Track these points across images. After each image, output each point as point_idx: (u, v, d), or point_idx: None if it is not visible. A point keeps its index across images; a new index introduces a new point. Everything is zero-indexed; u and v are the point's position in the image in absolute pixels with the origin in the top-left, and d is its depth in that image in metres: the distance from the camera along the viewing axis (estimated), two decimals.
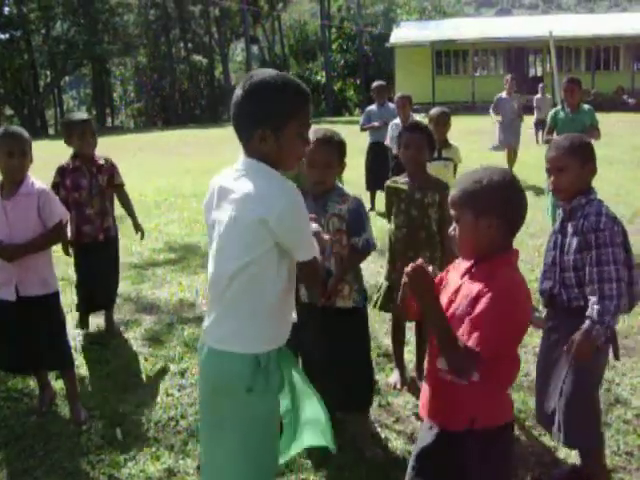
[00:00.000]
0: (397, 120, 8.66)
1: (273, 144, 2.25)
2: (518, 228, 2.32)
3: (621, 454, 3.52)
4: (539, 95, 17.62)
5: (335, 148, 3.42)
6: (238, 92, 2.26)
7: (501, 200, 2.24)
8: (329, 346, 3.45)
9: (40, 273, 3.93)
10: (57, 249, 4.25)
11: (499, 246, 2.27)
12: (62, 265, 5.92)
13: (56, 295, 4.07)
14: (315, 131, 3.35)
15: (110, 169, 5.17)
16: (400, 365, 4.40)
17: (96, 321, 5.41)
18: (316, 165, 3.37)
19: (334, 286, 3.45)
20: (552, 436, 3.22)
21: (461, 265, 2.40)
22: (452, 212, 2.34)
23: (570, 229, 3.02)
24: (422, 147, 4.07)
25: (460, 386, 2.23)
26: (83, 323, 5.29)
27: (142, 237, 5.60)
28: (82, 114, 5.30)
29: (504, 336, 2.17)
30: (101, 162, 5.13)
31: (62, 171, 5.05)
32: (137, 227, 5.51)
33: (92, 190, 5.04)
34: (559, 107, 7.59)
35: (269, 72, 2.30)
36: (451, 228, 2.36)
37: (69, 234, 4.72)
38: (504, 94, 12.58)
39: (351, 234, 3.47)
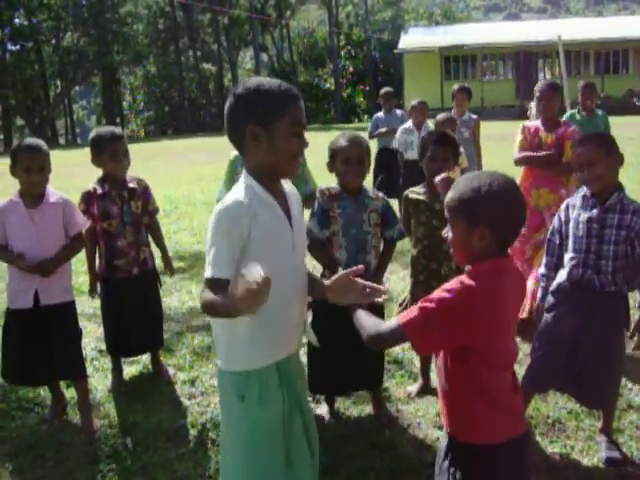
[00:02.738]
0: (408, 124, 8.57)
1: (266, 143, 2.27)
2: (514, 239, 2.25)
3: (634, 460, 3.48)
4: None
5: (364, 145, 3.83)
6: (229, 100, 2.33)
7: (497, 212, 2.13)
8: (357, 336, 3.70)
9: (62, 281, 3.98)
10: None
11: (489, 254, 2.16)
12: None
13: (74, 303, 4.12)
14: (343, 134, 3.86)
15: (144, 193, 4.47)
16: (424, 374, 4.35)
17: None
18: (351, 162, 3.74)
19: (379, 278, 3.80)
20: (576, 399, 3.71)
21: None
22: (446, 215, 2.26)
23: (614, 222, 3.36)
24: (448, 160, 4.07)
25: (446, 393, 2.26)
26: (116, 368, 4.67)
27: (171, 275, 4.91)
28: (113, 129, 4.44)
29: (429, 323, 2.09)
30: (133, 185, 4.41)
31: (88, 197, 4.34)
32: (167, 263, 4.78)
33: (124, 218, 4.35)
34: (574, 111, 7.65)
35: (256, 78, 2.37)
36: (444, 230, 2.29)
37: (97, 269, 4.48)
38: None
39: (386, 227, 3.92)
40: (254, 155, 2.31)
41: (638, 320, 3.39)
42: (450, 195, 2.23)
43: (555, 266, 3.65)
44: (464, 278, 2.13)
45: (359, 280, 2.29)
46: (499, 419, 2.22)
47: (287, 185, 2.49)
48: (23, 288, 3.89)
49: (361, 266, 2.34)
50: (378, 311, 3.89)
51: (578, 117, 7.46)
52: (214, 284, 2.20)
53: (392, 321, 2.19)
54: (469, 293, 2.08)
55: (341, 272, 2.33)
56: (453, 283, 2.13)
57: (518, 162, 5.34)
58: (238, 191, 2.30)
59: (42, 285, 3.87)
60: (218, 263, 2.22)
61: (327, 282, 2.40)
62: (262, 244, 2.26)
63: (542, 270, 3.71)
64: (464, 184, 2.21)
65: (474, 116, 8.26)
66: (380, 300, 2.35)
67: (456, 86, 8.52)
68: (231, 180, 4.27)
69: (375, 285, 2.31)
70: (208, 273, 2.22)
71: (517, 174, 5.15)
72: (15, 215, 3.86)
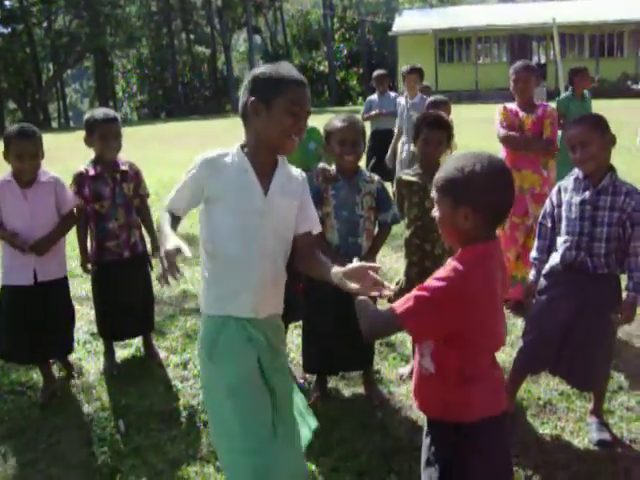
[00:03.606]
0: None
1: (264, 117, 2.47)
2: (500, 220, 2.24)
3: (625, 441, 3.51)
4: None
5: (359, 127, 3.83)
6: (245, 79, 2.57)
7: (481, 193, 2.12)
8: (351, 316, 3.67)
9: (59, 256, 4.15)
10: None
11: (477, 236, 2.17)
12: None
13: (67, 279, 4.30)
14: (338, 116, 3.87)
15: (136, 177, 4.48)
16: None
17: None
18: (346, 143, 3.75)
19: (370, 261, 3.79)
20: (567, 381, 3.71)
21: None
22: (434, 194, 2.26)
23: (606, 203, 3.35)
24: (441, 144, 4.04)
25: (430, 377, 2.27)
26: (108, 351, 4.66)
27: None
28: (107, 111, 4.43)
29: (423, 309, 2.11)
30: (125, 168, 4.41)
31: (80, 179, 4.31)
32: (157, 247, 4.44)
33: (116, 200, 4.33)
34: (569, 93, 7.82)
35: (273, 64, 2.58)
36: (433, 210, 2.29)
37: (89, 250, 4.48)
38: (403, 98, 8.25)
39: (381, 211, 3.93)
40: (253, 127, 2.52)
41: (625, 300, 3.39)
42: (438, 174, 2.24)
43: (547, 249, 3.64)
44: (455, 264, 2.13)
45: (373, 274, 2.35)
46: (483, 396, 2.24)
47: (286, 165, 2.67)
48: (20, 265, 3.99)
49: (378, 265, 2.43)
50: None
51: (574, 100, 7.67)
52: (167, 209, 2.58)
53: (388, 311, 2.20)
54: (461, 280, 2.09)
55: (359, 263, 2.40)
56: (445, 271, 2.14)
57: (504, 140, 5.30)
58: (219, 149, 2.59)
59: (39, 262, 4.00)
60: (174, 197, 2.59)
61: (342, 268, 2.43)
62: (223, 197, 2.51)
63: (534, 254, 3.70)
64: (450, 164, 2.22)
65: (426, 97, 7.76)
66: (387, 293, 2.38)
67: (406, 67, 8.25)
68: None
69: (385, 283, 2.36)
70: (168, 198, 2.60)
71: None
72: (9, 193, 3.97)
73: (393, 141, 8.38)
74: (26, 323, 4.03)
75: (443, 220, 2.24)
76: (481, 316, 2.15)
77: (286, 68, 2.53)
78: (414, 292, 2.15)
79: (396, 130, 8.31)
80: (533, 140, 5.18)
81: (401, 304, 2.16)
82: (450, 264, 2.15)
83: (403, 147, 7.96)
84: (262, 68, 2.55)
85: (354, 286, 2.33)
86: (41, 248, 3.96)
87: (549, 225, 3.64)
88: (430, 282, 2.13)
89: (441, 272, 2.14)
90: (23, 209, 3.96)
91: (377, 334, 2.39)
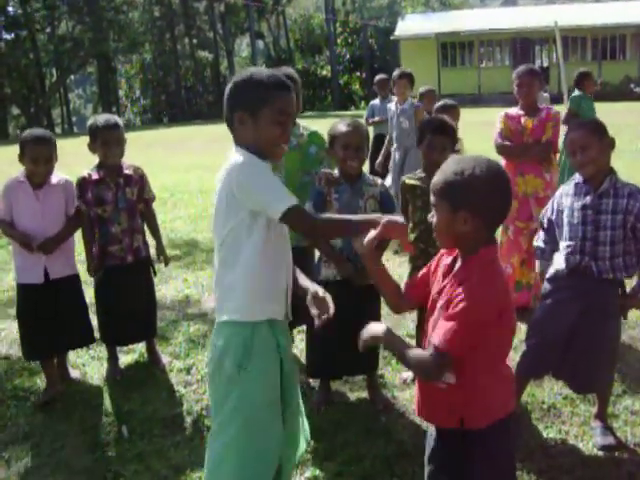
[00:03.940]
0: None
1: (251, 127, 2.43)
2: (498, 224, 2.24)
3: (629, 445, 3.49)
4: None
5: (363, 131, 3.82)
6: (227, 86, 2.51)
7: (480, 196, 2.11)
8: (355, 320, 3.60)
9: (68, 255, 4.33)
10: None
11: (476, 240, 2.16)
12: None
13: (79, 277, 4.45)
14: (342, 120, 3.83)
15: (140, 181, 4.48)
16: None
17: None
18: (350, 147, 3.72)
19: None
20: (570, 386, 3.66)
21: (443, 260, 2.36)
22: (431, 198, 2.25)
23: (608, 207, 3.34)
24: (446, 150, 3.99)
25: (453, 386, 2.22)
26: (111, 357, 4.66)
27: (166, 264, 4.88)
28: (110, 117, 4.42)
29: (469, 335, 2.09)
30: (129, 172, 4.43)
31: (82, 183, 4.34)
32: (161, 251, 4.77)
33: (118, 204, 4.35)
34: (580, 93, 8.25)
35: (254, 68, 2.58)
36: (430, 215, 2.27)
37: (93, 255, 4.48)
38: (393, 104, 8.00)
39: (385, 214, 3.67)
40: (241, 136, 2.48)
41: (633, 287, 3.40)
42: (436, 178, 2.23)
43: (552, 239, 3.62)
44: (470, 278, 2.11)
45: (329, 301, 2.54)
46: (494, 401, 2.25)
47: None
48: (31, 264, 4.14)
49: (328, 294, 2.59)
50: (373, 294, 3.85)
51: (585, 100, 8.17)
52: (298, 210, 2.33)
53: (430, 351, 2.14)
54: (481, 291, 2.09)
55: (320, 293, 2.57)
56: (464, 288, 2.11)
57: (500, 150, 5.29)
58: (245, 155, 2.40)
59: (50, 261, 4.14)
60: (284, 195, 2.34)
61: (308, 293, 2.59)
62: None
63: (539, 243, 3.69)
64: (448, 168, 2.20)
65: (417, 103, 7.73)
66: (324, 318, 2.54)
67: (396, 71, 8.03)
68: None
69: (330, 306, 2.53)
70: (283, 206, 2.30)
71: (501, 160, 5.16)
72: (22, 194, 4.13)
73: (384, 146, 8.37)
74: (37, 320, 4.18)
75: (440, 224, 2.23)
76: (505, 317, 2.15)
77: (269, 73, 2.47)
78: (444, 323, 2.11)
79: (388, 136, 8.26)
80: (529, 146, 5.17)
81: (441, 340, 2.10)
82: (468, 282, 2.12)
83: (394, 153, 7.87)
84: (245, 74, 2.48)
85: (313, 312, 2.47)
86: (48, 247, 4.10)
87: (546, 227, 3.65)
88: (455, 308, 2.09)
89: (460, 292, 2.11)
90: (35, 209, 4.12)
91: (436, 379, 2.27)
